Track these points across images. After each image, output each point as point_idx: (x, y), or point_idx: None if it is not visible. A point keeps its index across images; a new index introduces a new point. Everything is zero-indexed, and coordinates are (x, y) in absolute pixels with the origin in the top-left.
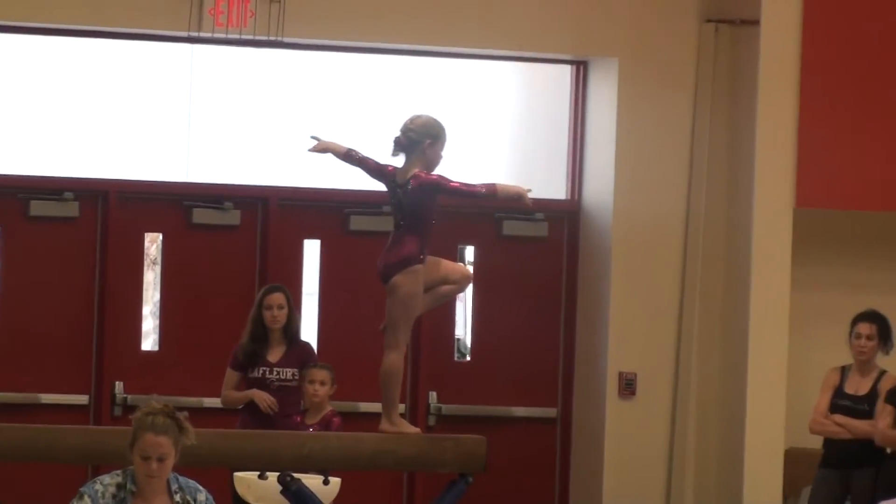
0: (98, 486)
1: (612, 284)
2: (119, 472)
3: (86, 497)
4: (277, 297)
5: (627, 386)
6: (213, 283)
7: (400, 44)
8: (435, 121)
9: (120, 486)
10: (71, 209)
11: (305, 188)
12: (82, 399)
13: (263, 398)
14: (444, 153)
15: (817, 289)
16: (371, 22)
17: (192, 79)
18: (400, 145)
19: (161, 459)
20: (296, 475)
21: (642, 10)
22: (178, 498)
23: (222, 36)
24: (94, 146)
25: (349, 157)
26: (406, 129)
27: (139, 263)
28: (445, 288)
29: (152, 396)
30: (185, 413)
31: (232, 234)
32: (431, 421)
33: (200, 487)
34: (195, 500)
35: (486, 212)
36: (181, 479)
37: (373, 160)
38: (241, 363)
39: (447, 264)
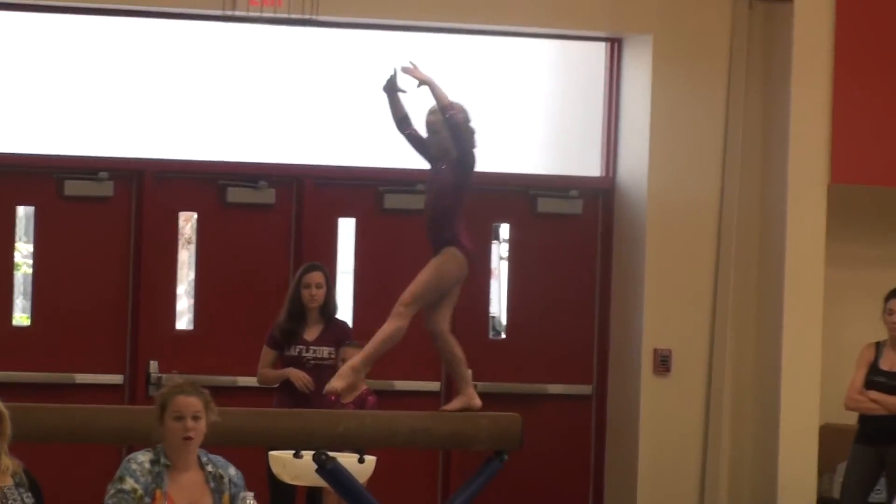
0: (134, 465)
1: (646, 261)
2: (149, 449)
3: (127, 479)
4: (316, 276)
5: (662, 363)
6: (248, 262)
7: (434, 21)
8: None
9: (153, 462)
10: (105, 189)
11: (340, 167)
12: (117, 379)
13: (299, 377)
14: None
15: (852, 264)
16: (404, 0)
17: (226, 58)
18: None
19: (196, 418)
20: (331, 454)
21: None
22: (209, 468)
23: (257, 14)
24: (129, 125)
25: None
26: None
27: (174, 243)
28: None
29: (172, 373)
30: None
31: (267, 213)
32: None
33: (230, 464)
34: (226, 474)
35: (521, 189)
36: (210, 455)
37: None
38: (278, 341)
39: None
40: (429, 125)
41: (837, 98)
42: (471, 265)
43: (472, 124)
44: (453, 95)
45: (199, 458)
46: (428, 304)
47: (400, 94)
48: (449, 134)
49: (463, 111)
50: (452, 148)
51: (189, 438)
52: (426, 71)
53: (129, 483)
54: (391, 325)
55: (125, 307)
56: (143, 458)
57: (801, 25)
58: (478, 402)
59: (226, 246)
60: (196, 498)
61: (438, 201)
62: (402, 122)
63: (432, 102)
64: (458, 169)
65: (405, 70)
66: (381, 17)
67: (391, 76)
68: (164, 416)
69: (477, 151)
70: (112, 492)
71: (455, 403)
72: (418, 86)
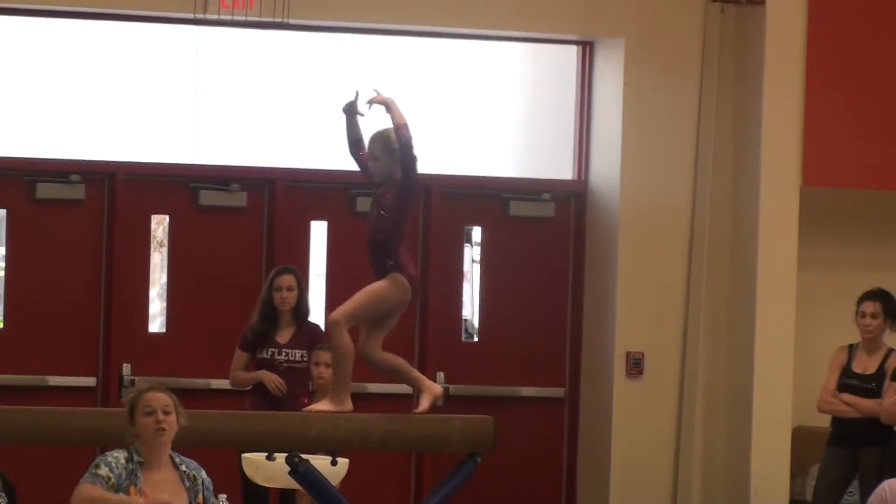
0: (110, 458)
1: (619, 264)
2: (122, 449)
3: (102, 465)
4: (287, 279)
5: (635, 365)
6: (220, 264)
7: (405, 25)
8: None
9: (128, 459)
10: (77, 191)
11: (311, 169)
12: (90, 381)
13: (272, 379)
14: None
15: (824, 268)
16: (376, 3)
17: (198, 61)
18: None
19: (166, 413)
20: (304, 456)
21: None
22: (183, 468)
23: (228, 18)
24: (100, 128)
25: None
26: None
27: (146, 245)
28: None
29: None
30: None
31: (239, 216)
32: (439, 401)
33: (201, 468)
34: (199, 476)
35: (493, 192)
36: (183, 457)
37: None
38: (251, 344)
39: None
40: (371, 151)
41: (809, 101)
42: (414, 292)
43: (415, 151)
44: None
45: (172, 458)
46: (363, 324)
47: (358, 117)
48: (400, 154)
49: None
50: (398, 169)
51: (161, 429)
52: (386, 93)
53: (104, 470)
54: (339, 347)
55: (97, 310)
56: (118, 454)
57: (773, 29)
58: (438, 389)
59: (198, 249)
60: (171, 494)
61: (380, 226)
62: (356, 144)
63: (382, 126)
64: (400, 194)
65: (370, 100)
66: (352, 21)
67: (352, 99)
68: (134, 415)
69: (416, 178)
70: (87, 476)
71: (423, 404)
72: (370, 105)
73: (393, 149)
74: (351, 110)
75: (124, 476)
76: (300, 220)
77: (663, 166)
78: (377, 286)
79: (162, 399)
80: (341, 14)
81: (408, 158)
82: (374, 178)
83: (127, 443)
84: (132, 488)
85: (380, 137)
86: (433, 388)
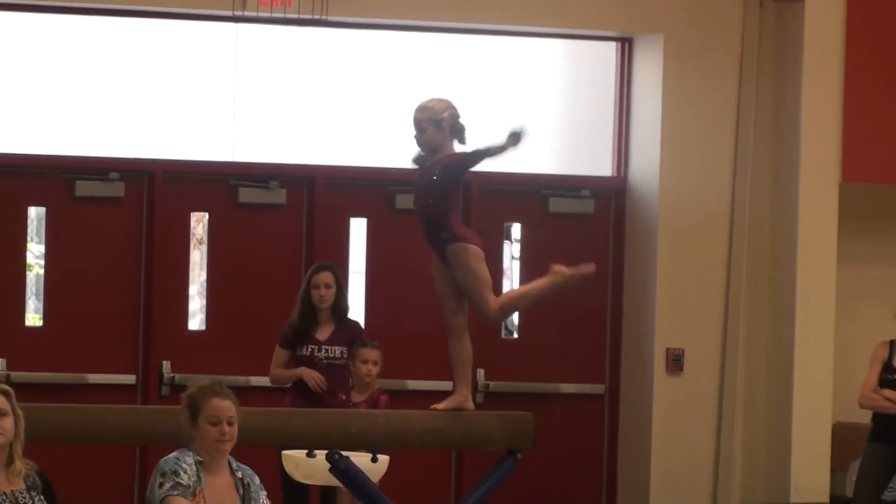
0: (184, 465)
1: (658, 260)
2: (184, 450)
3: (181, 473)
4: (325, 276)
5: (675, 362)
6: (260, 262)
7: (445, 21)
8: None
9: (188, 462)
10: (117, 189)
11: (351, 167)
12: (130, 379)
13: (312, 376)
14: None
15: (864, 264)
16: (414, 0)
17: (237, 58)
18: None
19: (230, 423)
20: (344, 453)
21: None
22: (239, 475)
23: (266, 15)
24: (140, 126)
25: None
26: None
27: (185, 243)
28: None
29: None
30: None
31: (278, 213)
32: (479, 398)
33: (255, 474)
34: (253, 483)
35: (533, 189)
36: (239, 463)
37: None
38: (290, 341)
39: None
40: (416, 123)
41: (849, 97)
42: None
43: (461, 121)
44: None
45: (229, 463)
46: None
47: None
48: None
49: (451, 107)
50: (445, 141)
51: (225, 442)
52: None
53: (184, 478)
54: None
55: (137, 307)
56: (188, 458)
57: (811, 24)
58: (471, 404)
59: (237, 246)
60: (226, 501)
61: (427, 200)
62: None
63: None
64: (449, 169)
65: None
66: (392, 18)
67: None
68: (197, 419)
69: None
70: (169, 485)
71: (447, 402)
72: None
73: (439, 119)
74: (515, 143)
75: (196, 480)
76: (339, 218)
77: (702, 163)
78: (469, 264)
79: (229, 409)
80: (380, 11)
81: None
82: (421, 149)
83: (184, 441)
84: (199, 489)
85: (426, 109)
86: (466, 400)
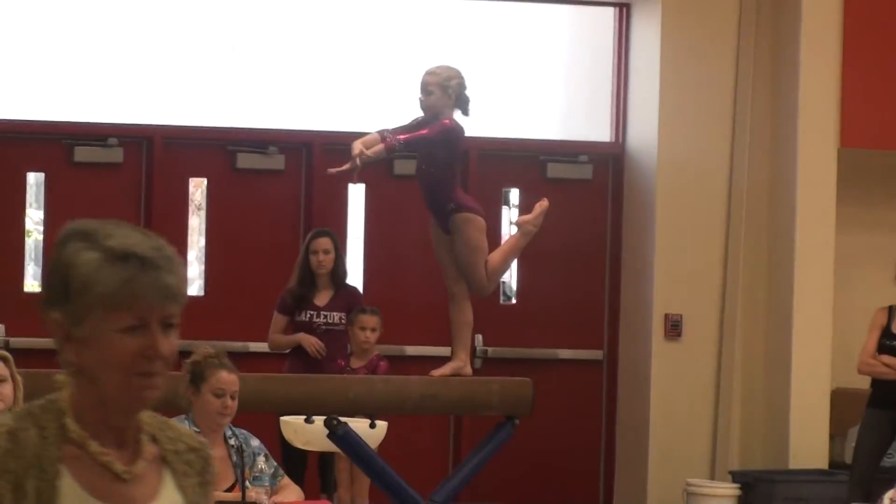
0: None
1: (657, 226)
2: (183, 417)
3: None
4: (324, 242)
5: (673, 328)
6: (258, 227)
7: None
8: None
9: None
10: (115, 155)
11: (349, 132)
12: None
13: (311, 342)
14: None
15: (862, 229)
16: None
17: (235, 23)
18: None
19: (233, 398)
20: (342, 419)
21: None
22: (232, 442)
23: None
24: (139, 91)
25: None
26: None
27: (184, 208)
28: None
29: (196, 343)
30: None
31: (276, 179)
32: (477, 364)
33: (252, 436)
34: (248, 446)
35: (531, 154)
36: (234, 427)
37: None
38: (289, 307)
39: None
40: (424, 85)
41: (847, 62)
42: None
43: (467, 92)
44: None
45: (223, 433)
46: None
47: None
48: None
49: (458, 76)
50: (448, 108)
51: (226, 416)
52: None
53: None
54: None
55: None
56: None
57: None
58: (469, 369)
59: (236, 212)
60: (219, 473)
61: (430, 170)
62: (390, 151)
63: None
64: (446, 136)
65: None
66: None
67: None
68: (200, 388)
69: (467, 120)
70: None
71: (445, 368)
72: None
73: (447, 86)
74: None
75: None
76: (338, 183)
77: (701, 128)
78: (471, 240)
79: (234, 384)
80: None
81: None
82: (423, 112)
83: (183, 406)
84: None
85: (435, 73)
86: (465, 365)
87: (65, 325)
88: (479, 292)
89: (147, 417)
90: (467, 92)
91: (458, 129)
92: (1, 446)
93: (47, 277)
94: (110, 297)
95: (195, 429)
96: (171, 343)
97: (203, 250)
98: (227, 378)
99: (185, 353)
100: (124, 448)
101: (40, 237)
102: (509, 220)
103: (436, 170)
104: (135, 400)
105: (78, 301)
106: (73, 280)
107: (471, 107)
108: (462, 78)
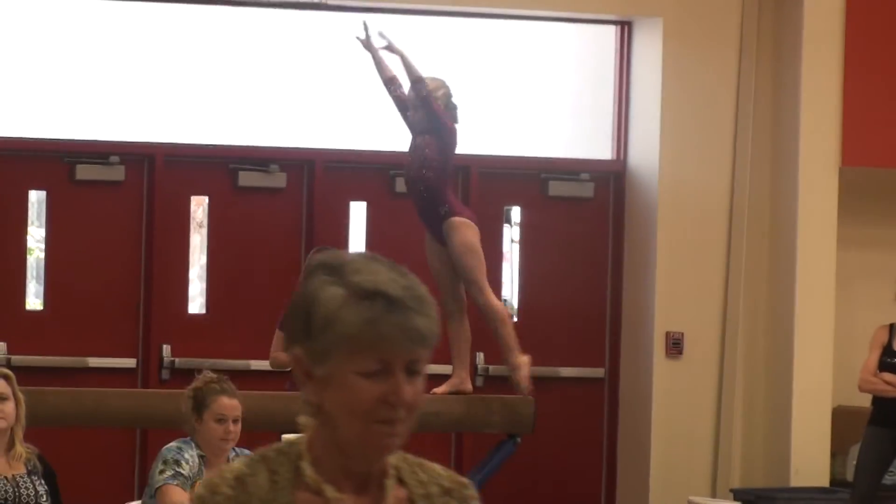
0: (187, 456)
1: (658, 244)
2: (186, 441)
3: (183, 464)
4: None
5: (674, 346)
6: (260, 245)
7: (445, 5)
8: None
9: (191, 454)
10: (117, 173)
11: (351, 150)
12: (130, 363)
13: None
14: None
15: (864, 247)
16: None
17: (237, 41)
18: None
19: (236, 422)
20: None
21: None
22: None
23: None
24: (140, 109)
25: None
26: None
27: (185, 227)
28: None
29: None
30: None
31: (278, 197)
32: (479, 382)
33: None
34: None
35: (532, 172)
36: (238, 449)
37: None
38: None
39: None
40: (411, 99)
41: (848, 80)
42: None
43: (454, 100)
44: (435, 72)
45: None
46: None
47: (384, 55)
48: (419, 105)
49: (444, 87)
50: (426, 120)
51: (229, 441)
52: (399, 44)
53: (186, 469)
54: (500, 310)
55: (138, 291)
56: (192, 451)
57: (811, 6)
58: (469, 386)
59: (237, 230)
60: None
61: (423, 175)
62: (390, 82)
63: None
64: (438, 142)
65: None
66: (391, 1)
67: (364, 37)
68: (203, 414)
69: (457, 127)
70: (169, 473)
71: (445, 386)
72: (385, 47)
73: (435, 97)
74: (367, 46)
75: (197, 473)
76: (339, 201)
77: (702, 146)
78: (467, 242)
79: (235, 409)
80: None
81: (430, 110)
82: (413, 128)
83: (187, 432)
84: (197, 481)
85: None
86: (465, 382)
87: (306, 362)
88: (477, 299)
89: (396, 460)
90: (454, 100)
91: (456, 134)
92: (223, 493)
93: (290, 310)
94: (353, 337)
95: (201, 453)
96: (415, 389)
97: (204, 268)
98: (229, 403)
99: (188, 372)
100: (365, 493)
101: (42, 255)
102: (510, 238)
103: (431, 173)
104: (374, 448)
105: (320, 339)
106: (315, 316)
107: (459, 114)
108: (447, 87)
